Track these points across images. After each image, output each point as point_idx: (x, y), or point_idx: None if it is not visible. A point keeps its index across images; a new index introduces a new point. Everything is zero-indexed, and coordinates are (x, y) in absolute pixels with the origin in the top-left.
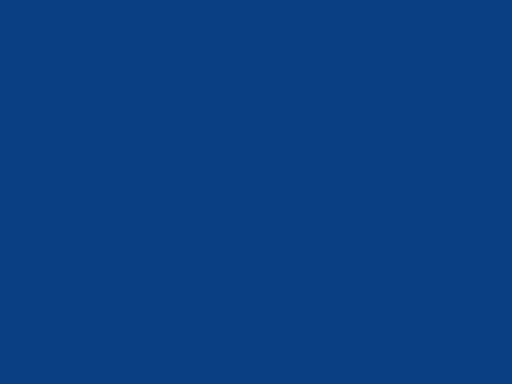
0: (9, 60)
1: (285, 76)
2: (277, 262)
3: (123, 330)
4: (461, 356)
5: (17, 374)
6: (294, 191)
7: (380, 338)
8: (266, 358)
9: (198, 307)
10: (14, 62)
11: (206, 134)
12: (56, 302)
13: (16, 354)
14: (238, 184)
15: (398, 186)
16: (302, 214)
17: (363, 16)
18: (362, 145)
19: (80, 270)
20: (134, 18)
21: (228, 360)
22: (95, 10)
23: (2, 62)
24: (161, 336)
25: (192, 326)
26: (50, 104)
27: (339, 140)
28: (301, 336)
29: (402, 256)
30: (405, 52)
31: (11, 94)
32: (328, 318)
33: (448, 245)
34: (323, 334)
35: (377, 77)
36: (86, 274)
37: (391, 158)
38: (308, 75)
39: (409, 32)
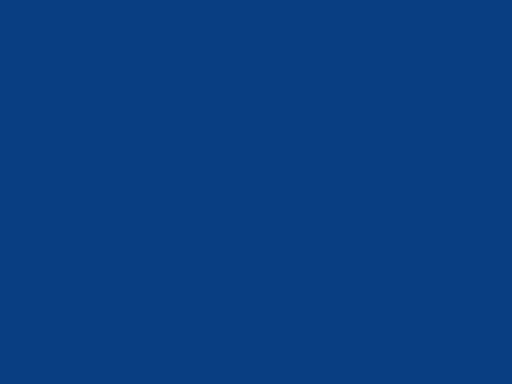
0: (9, 60)
1: (285, 76)
2: (277, 262)
3: (123, 330)
4: (461, 356)
5: (17, 374)
6: (294, 191)
7: (380, 338)
8: (266, 358)
9: (198, 307)
10: (14, 62)
11: (205, 133)
12: (56, 302)
13: (16, 353)
14: (238, 184)
15: (398, 186)
16: (302, 215)
17: (363, 16)
18: (361, 145)
19: (80, 270)
20: (134, 18)
21: (228, 360)
22: (95, 9)
23: (1, 62)
24: (161, 336)
25: (192, 326)
26: (50, 104)
27: (339, 140)
28: (301, 336)
29: (402, 256)
30: (405, 52)
31: (11, 93)
32: (328, 318)
33: (448, 245)
34: (323, 334)
35: (377, 77)
36: (86, 274)
37: (391, 158)
38: (308, 75)
39: (409, 32)
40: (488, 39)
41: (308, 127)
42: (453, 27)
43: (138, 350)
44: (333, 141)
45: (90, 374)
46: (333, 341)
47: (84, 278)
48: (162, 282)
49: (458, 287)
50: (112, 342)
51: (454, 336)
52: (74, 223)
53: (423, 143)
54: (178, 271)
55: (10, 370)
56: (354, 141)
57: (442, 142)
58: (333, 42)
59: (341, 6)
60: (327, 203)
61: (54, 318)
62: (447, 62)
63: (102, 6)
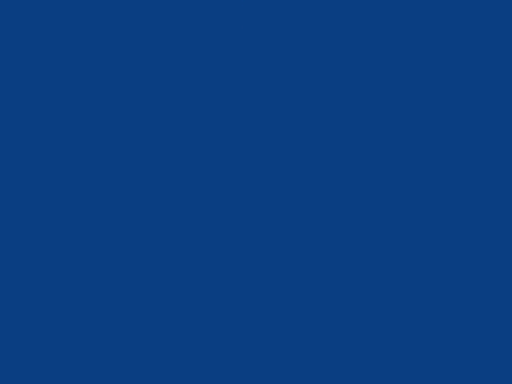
0: (9, 60)
1: (285, 76)
2: (277, 262)
3: (123, 330)
4: (461, 356)
5: (17, 374)
6: (294, 191)
7: (380, 338)
8: (266, 358)
9: (198, 307)
10: (14, 62)
11: (205, 134)
12: (56, 302)
13: (16, 354)
14: (238, 184)
15: (398, 186)
16: (302, 214)
17: (363, 16)
18: (362, 145)
19: (80, 270)
20: (134, 18)
21: (228, 360)
22: (95, 10)
23: (1, 62)
24: (161, 336)
25: (192, 326)
26: (50, 104)
27: (339, 140)
28: (301, 336)
29: (403, 256)
30: (405, 52)
31: (11, 94)
32: (328, 319)
33: (448, 245)
34: (323, 334)
35: (377, 77)
36: (86, 274)
37: (391, 158)
38: (308, 75)
39: (409, 32)
40: (488, 39)
41: (308, 127)
42: (453, 27)
43: (138, 349)
44: (333, 141)
45: (90, 374)
46: (333, 341)
47: (84, 278)
48: (162, 281)
49: (458, 287)
50: (112, 342)
51: (454, 336)
52: (74, 223)
53: (423, 143)
54: (178, 271)
55: (10, 370)
56: (354, 141)
57: (442, 142)
58: (333, 42)
59: (341, 6)
60: (327, 203)
61: (54, 317)
62: (447, 62)
63: (102, 5)
